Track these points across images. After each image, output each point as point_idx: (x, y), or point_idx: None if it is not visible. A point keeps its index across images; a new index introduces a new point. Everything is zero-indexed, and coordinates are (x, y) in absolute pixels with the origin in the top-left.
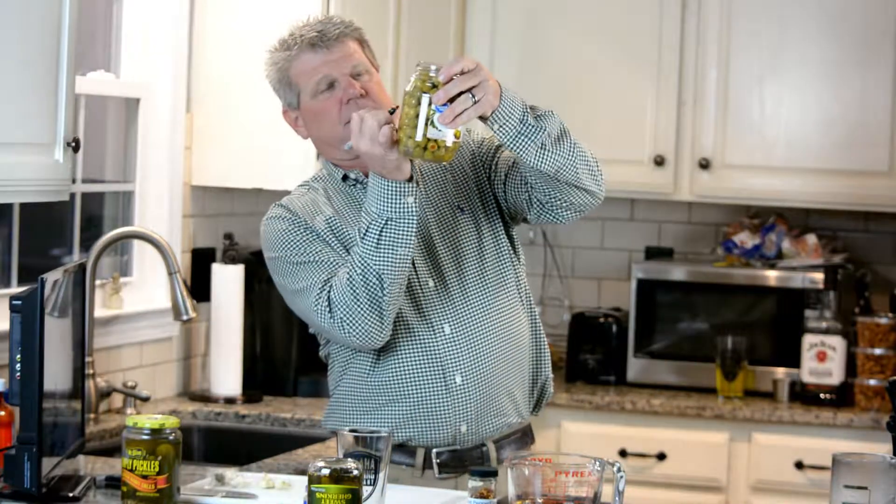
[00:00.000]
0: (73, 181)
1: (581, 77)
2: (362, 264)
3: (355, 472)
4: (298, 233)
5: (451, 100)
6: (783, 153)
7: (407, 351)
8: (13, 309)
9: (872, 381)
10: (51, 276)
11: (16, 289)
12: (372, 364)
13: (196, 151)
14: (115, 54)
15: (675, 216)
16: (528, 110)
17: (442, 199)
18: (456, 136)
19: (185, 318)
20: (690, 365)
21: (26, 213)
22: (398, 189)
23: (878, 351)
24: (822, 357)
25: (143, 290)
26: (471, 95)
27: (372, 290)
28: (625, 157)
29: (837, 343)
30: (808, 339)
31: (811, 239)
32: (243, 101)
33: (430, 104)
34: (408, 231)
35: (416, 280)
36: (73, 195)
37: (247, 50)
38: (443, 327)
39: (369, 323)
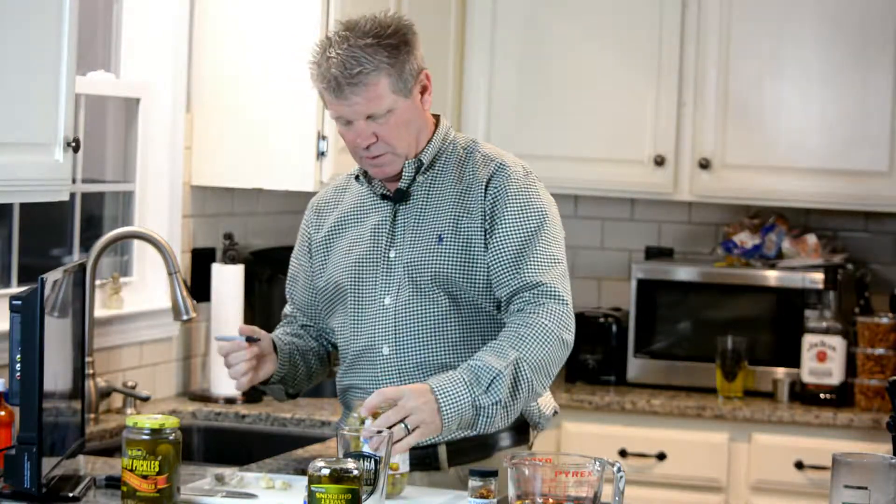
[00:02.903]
0: (73, 181)
1: (581, 77)
2: None
3: (355, 472)
4: (301, 238)
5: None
6: (783, 153)
7: (355, 364)
8: (13, 309)
9: (872, 381)
10: (51, 276)
11: (16, 289)
12: (344, 366)
13: (196, 151)
14: (115, 54)
15: (675, 216)
16: (476, 398)
17: (429, 223)
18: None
19: (185, 318)
20: (690, 365)
21: (26, 213)
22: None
23: (878, 351)
24: (822, 357)
25: (143, 290)
26: (404, 426)
27: None
28: (625, 157)
29: (837, 343)
30: (808, 339)
31: (811, 239)
32: (243, 101)
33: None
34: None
35: (372, 297)
36: (73, 195)
37: (247, 50)
38: (381, 348)
39: None
